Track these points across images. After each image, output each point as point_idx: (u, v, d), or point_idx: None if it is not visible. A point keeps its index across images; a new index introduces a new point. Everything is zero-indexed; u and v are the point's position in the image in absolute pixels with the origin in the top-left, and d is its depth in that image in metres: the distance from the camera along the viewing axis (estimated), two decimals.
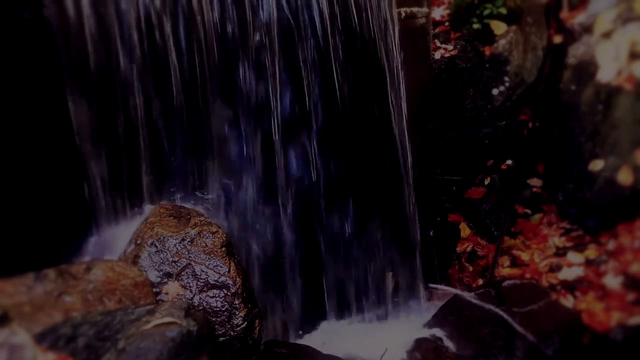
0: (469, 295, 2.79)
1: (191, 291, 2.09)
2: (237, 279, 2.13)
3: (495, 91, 3.39)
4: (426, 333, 2.71)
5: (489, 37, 3.39)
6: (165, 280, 2.10)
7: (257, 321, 2.14)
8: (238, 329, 2.07)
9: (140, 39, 2.25)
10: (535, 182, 3.34)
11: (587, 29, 3.17)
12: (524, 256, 3.07)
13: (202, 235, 2.19)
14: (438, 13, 3.53)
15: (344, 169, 2.79)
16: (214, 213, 2.50)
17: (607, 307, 2.68)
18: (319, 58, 2.63)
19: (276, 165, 2.62)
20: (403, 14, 3.04)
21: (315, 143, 2.70)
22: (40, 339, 1.63)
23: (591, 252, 2.94)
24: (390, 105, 2.86)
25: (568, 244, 3.04)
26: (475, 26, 3.38)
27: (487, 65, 3.38)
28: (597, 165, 3.00)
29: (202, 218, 2.30)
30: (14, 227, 2.08)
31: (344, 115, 2.74)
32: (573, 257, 2.96)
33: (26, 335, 1.52)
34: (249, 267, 2.57)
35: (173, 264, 2.12)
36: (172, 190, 2.47)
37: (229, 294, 2.10)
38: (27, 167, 2.13)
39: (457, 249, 3.26)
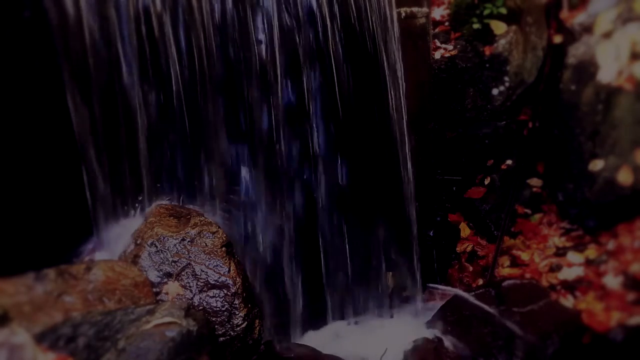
0: (469, 295, 2.78)
1: (191, 291, 2.09)
2: (237, 279, 2.13)
3: (495, 91, 3.39)
4: (426, 333, 2.71)
5: (489, 37, 3.39)
6: (165, 280, 2.10)
7: (257, 321, 2.14)
8: (238, 329, 2.07)
9: (140, 38, 2.25)
10: (535, 182, 3.34)
11: (587, 29, 3.17)
12: (524, 256, 3.07)
13: (202, 235, 2.19)
14: (438, 13, 3.53)
15: (344, 169, 2.79)
16: (213, 213, 2.50)
17: (607, 307, 2.68)
18: (318, 58, 2.63)
19: (276, 164, 2.62)
20: (403, 14, 3.04)
21: (315, 143, 2.70)
22: (40, 338, 1.63)
23: (591, 252, 2.94)
24: (390, 105, 2.86)
25: (568, 244, 3.04)
26: (475, 26, 3.38)
27: (487, 65, 3.38)
28: (597, 165, 3.00)
29: (202, 218, 2.30)
30: (14, 227, 2.08)
31: (344, 115, 2.74)
32: (573, 257, 2.96)
33: (26, 335, 1.52)
34: (249, 267, 2.56)
35: (173, 264, 2.12)
36: (172, 190, 2.47)
37: (229, 294, 2.09)
38: (27, 167, 2.13)
39: (457, 249, 3.26)
